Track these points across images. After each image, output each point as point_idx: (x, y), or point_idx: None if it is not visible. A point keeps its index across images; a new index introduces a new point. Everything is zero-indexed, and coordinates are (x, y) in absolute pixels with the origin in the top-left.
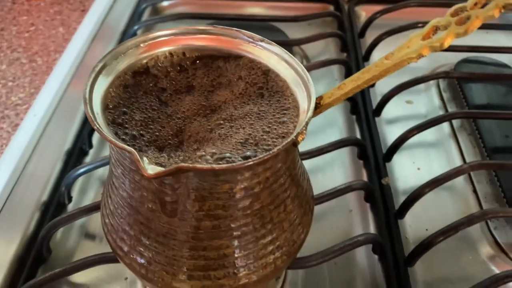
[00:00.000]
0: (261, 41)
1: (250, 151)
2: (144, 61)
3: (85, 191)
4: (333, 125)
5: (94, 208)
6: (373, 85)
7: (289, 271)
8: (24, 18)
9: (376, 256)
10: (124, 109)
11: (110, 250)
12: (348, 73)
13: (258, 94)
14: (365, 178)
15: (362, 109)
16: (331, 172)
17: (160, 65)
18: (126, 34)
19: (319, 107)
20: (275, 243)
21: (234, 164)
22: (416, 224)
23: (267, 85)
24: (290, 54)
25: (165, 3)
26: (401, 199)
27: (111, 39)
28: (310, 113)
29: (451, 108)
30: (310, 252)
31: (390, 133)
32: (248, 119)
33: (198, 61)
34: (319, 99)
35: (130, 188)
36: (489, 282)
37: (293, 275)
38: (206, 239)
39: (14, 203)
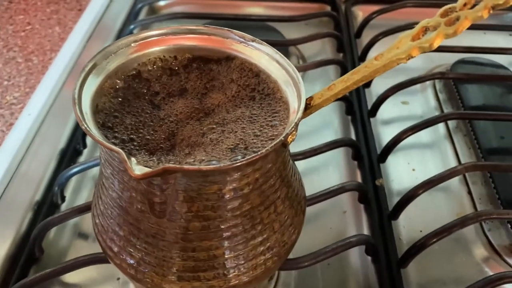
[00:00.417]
0: (253, 41)
1: (240, 156)
2: (136, 64)
3: (79, 190)
4: (328, 126)
5: (86, 208)
6: (368, 86)
7: (282, 272)
8: (21, 17)
9: (369, 258)
10: (116, 113)
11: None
12: (344, 74)
13: (250, 96)
14: (359, 179)
15: (358, 110)
16: (325, 172)
17: (152, 68)
18: (122, 34)
19: (309, 108)
20: (265, 244)
21: (221, 165)
22: (410, 225)
23: (258, 87)
24: (281, 54)
25: (161, 3)
26: (396, 200)
27: (107, 38)
28: (299, 113)
29: (447, 109)
30: (303, 252)
31: (385, 134)
32: (240, 122)
33: (190, 64)
34: (309, 99)
35: (119, 188)
36: (482, 284)
37: (286, 276)
38: (196, 240)
39: (7, 202)
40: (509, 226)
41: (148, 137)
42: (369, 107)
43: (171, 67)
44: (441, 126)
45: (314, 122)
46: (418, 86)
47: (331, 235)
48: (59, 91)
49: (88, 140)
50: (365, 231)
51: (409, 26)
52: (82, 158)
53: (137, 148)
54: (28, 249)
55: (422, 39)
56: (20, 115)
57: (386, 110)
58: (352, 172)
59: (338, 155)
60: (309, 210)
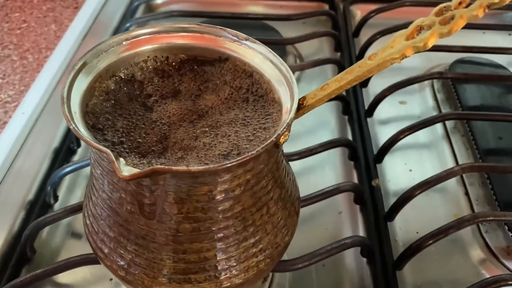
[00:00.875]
0: (246, 39)
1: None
2: (127, 63)
3: (72, 189)
4: (325, 126)
5: (79, 208)
6: (366, 85)
7: (276, 273)
8: (16, 15)
9: (365, 259)
10: (107, 115)
11: None
12: None
13: (244, 98)
14: (355, 179)
15: (354, 110)
16: (321, 173)
17: (144, 70)
18: (119, 32)
19: (302, 108)
20: (257, 246)
21: (211, 166)
22: (407, 226)
23: (252, 88)
24: (275, 54)
25: (158, 1)
26: (392, 200)
27: (103, 36)
28: (292, 114)
29: (445, 109)
30: (298, 253)
31: (382, 134)
32: (233, 125)
33: (183, 66)
34: (302, 99)
35: (109, 189)
36: (478, 287)
37: (281, 277)
38: (186, 242)
39: None
40: (506, 228)
41: (139, 140)
42: (366, 107)
43: (163, 68)
44: (438, 126)
45: (310, 122)
46: (416, 85)
47: (326, 236)
48: (53, 89)
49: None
50: (361, 232)
51: (407, 25)
52: (76, 157)
53: (127, 151)
54: (20, 249)
55: (416, 38)
56: (14, 114)
57: (384, 110)
58: (349, 172)
59: (334, 155)
60: (304, 210)
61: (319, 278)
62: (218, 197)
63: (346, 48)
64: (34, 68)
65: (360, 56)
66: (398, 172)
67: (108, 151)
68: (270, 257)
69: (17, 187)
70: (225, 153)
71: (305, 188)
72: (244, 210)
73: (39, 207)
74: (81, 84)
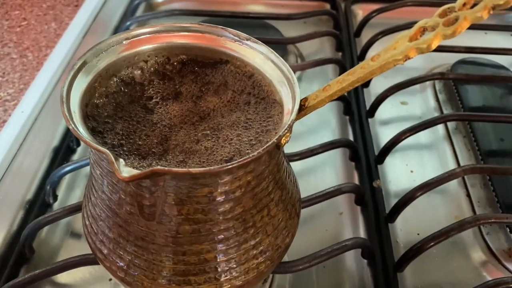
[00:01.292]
0: (247, 39)
1: None
2: (128, 64)
3: (72, 189)
4: (326, 126)
5: (78, 208)
6: (367, 86)
7: (276, 274)
8: (16, 13)
9: (365, 261)
10: (107, 118)
11: None
12: (342, 73)
13: (245, 101)
14: (356, 180)
15: (356, 110)
16: (323, 174)
17: (145, 71)
18: (119, 30)
19: (303, 109)
20: (258, 248)
21: (211, 168)
22: (408, 228)
23: (253, 91)
24: (276, 54)
25: None
26: (393, 202)
27: (103, 34)
28: (293, 115)
29: (447, 110)
30: (299, 255)
31: (383, 135)
32: (235, 128)
33: (185, 67)
34: (304, 100)
35: (109, 190)
36: None
37: (281, 278)
38: (186, 244)
39: None
40: (508, 230)
41: (139, 142)
42: (367, 107)
43: (164, 70)
44: (440, 128)
45: (312, 122)
46: (417, 86)
47: (327, 237)
48: (53, 88)
49: None
50: (362, 233)
51: (409, 25)
52: (75, 157)
53: (127, 153)
54: (19, 248)
55: (419, 39)
56: (13, 112)
57: (385, 111)
58: (350, 173)
59: (335, 156)
60: (305, 211)
61: (320, 280)
62: (219, 198)
63: (347, 48)
64: (34, 66)
65: (362, 56)
66: (399, 173)
67: (107, 151)
68: (271, 259)
69: (16, 186)
70: (227, 158)
71: (306, 188)
72: (245, 212)
73: (38, 206)
74: (81, 84)
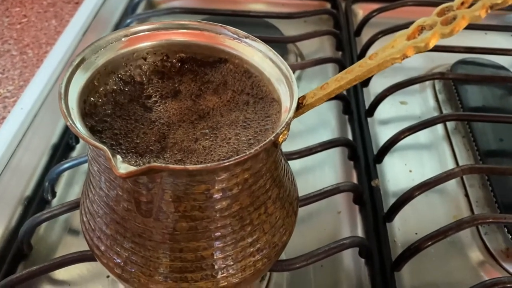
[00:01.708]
0: (246, 37)
1: None
2: (126, 61)
3: (70, 186)
4: (325, 125)
5: (76, 204)
6: (367, 85)
7: (274, 272)
8: (17, 10)
9: (363, 260)
10: (105, 117)
11: None
12: None
13: (244, 100)
14: (355, 179)
15: (355, 109)
16: (321, 173)
17: (143, 69)
18: (119, 28)
19: (301, 107)
20: (255, 246)
21: (208, 165)
22: (406, 227)
23: (252, 91)
24: (275, 52)
25: None
26: (392, 201)
27: (103, 32)
28: (291, 113)
29: (446, 110)
30: (296, 253)
31: (382, 134)
32: (234, 127)
33: (183, 66)
34: (302, 98)
35: (106, 186)
36: None
37: (278, 277)
38: (183, 241)
39: None
40: (506, 230)
41: (137, 140)
42: (366, 107)
43: (163, 68)
44: (439, 127)
45: (311, 121)
46: (417, 86)
47: (324, 236)
48: (53, 85)
49: None
50: (360, 232)
51: (409, 25)
52: (74, 154)
53: (125, 151)
54: (17, 245)
55: (417, 38)
56: (12, 109)
57: (384, 110)
58: (348, 172)
59: (334, 155)
60: (303, 210)
61: (317, 279)
62: (216, 196)
63: (347, 47)
64: (34, 63)
65: (362, 55)
66: (398, 172)
67: (105, 148)
68: (268, 256)
69: (15, 182)
70: (224, 158)
71: (305, 187)
72: (242, 209)
73: (37, 203)
74: (79, 80)
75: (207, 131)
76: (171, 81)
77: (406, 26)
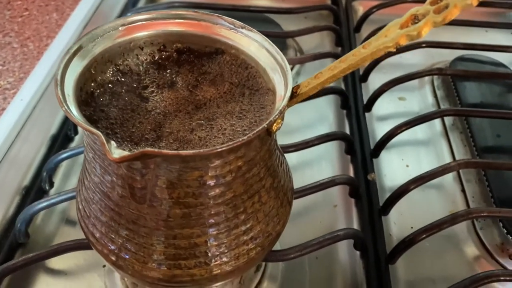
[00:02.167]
0: (242, 27)
1: None
2: (123, 50)
3: (68, 176)
4: (323, 120)
5: (73, 195)
6: (365, 80)
7: (269, 264)
8: (19, 3)
9: (358, 253)
10: (101, 106)
11: None
12: None
13: (240, 92)
14: (352, 173)
15: (353, 104)
16: (318, 166)
17: (140, 59)
18: None
19: (295, 96)
20: (248, 234)
21: (201, 150)
22: (402, 221)
23: (248, 82)
24: (270, 42)
25: None
26: (388, 195)
27: None
28: (285, 101)
29: (445, 106)
30: (292, 244)
31: (380, 129)
32: (229, 118)
33: (180, 57)
34: (296, 88)
35: (101, 173)
36: (469, 282)
37: (273, 268)
38: (176, 227)
39: None
40: (501, 224)
41: (133, 129)
42: (365, 102)
43: (160, 59)
44: (437, 123)
45: (309, 116)
46: (416, 82)
47: (320, 229)
48: (52, 77)
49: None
50: (355, 225)
51: None
52: (73, 145)
53: (120, 140)
54: (14, 233)
55: (410, 27)
56: (12, 100)
57: (383, 106)
58: (345, 166)
59: (332, 149)
60: (300, 203)
61: (312, 270)
62: (209, 182)
63: (347, 43)
64: (35, 56)
65: None
66: (395, 167)
67: (99, 133)
68: (261, 245)
69: (13, 172)
70: None
71: (301, 181)
72: (235, 197)
73: (35, 192)
74: (76, 68)
75: (203, 121)
76: (168, 72)
77: None
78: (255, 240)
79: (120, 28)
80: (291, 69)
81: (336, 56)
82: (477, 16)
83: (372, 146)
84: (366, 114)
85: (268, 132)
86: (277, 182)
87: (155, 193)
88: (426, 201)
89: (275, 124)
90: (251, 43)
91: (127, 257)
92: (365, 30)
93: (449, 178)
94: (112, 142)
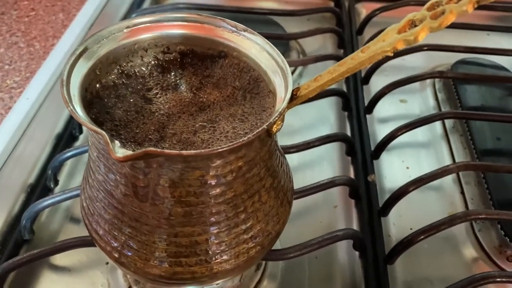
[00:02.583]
0: (244, 30)
1: None
2: (128, 52)
3: (73, 175)
4: (325, 121)
5: (77, 193)
6: (367, 82)
7: (269, 263)
8: (25, 3)
9: (357, 253)
10: (106, 109)
11: None
12: None
13: (243, 95)
14: (352, 175)
15: (354, 106)
16: (319, 167)
17: (145, 61)
18: None
19: (295, 98)
20: (248, 233)
21: (202, 150)
22: (401, 223)
23: (249, 87)
24: (272, 45)
25: None
26: (387, 197)
27: None
28: (285, 103)
29: (445, 109)
30: (292, 244)
31: (381, 131)
32: (231, 120)
33: (183, 60)
34: (296, 90)
35: (105, 171)
36: (466, 283)
37: (273, 267)
38: (178, 226)
39: (0, 183)
40: (499, 227)
41: (136, 130)
42: (366, 104)
43: (164, 61)
44: (438, 126)
45: (310, 117)
46: (417, 85)
47: (320, 229)
48: (58, 77)
49: None
50: (355, 226)
51: None
52: (77, 144)
53: (124, 141)
54: (19, 230)
55: (407, 32)
56: (18, 99)
57: (384, 108)
58: (346, 167)
59: (332, 151)
60: (300, 203)
61: (311, 270)
62: (210, 182)
63: (349, 46)
64: (41, 55)
65: None
66: (395, 169)
67: (103, 132)
68: (261, 244)
69: (18, 170)
70: None
71: (302, 181)
72: (236, 197)
73: (40, 190)
74: (82, 69)
75: (205, 124)
76: (171, 73)
77: None
78: (255, 239)
79: (125, 30)
80: (294, 70)
81: (338, 59)
82: (479, 19)
83: (372, 148)
84: (367, 116)
85: (268, 133)
86: (277, 182)
87: (157, 191)
88: (425, 203)
89: (275, 126)
90: (253, 46)
91: (129, 254)
92: (368, 32)
93: (448, 180)
94: (116, 141)
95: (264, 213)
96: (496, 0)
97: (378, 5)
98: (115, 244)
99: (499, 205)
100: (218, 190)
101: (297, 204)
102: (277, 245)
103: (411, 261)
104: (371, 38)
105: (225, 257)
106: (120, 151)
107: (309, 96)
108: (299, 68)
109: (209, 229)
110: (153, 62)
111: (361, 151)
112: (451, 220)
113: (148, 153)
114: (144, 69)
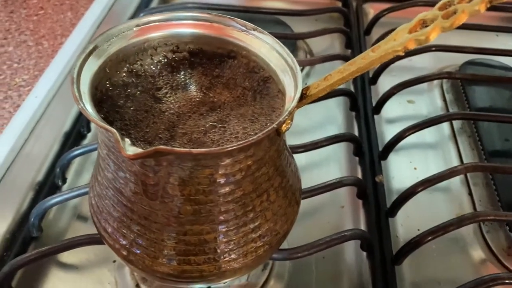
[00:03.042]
0: (254, 30)
1: None
2: (137, 50)
3: (81, 173)
4: (332, 121)
5: (86, 190)
6: (375, 83)
7: (276, 263)
8: (34, 2)
9: (365, 253)
10: (116, 108)
11: None
12: None
13: (253, 95)
14: (360, 175)
15: (362, 106)
16: (326, 167)
17: (154, 60)
18: None
19: (305, 98)
20: (257, 232)
21: (212, 149)
22: (408, 223)
23: (259, 87)
24: (281, 44)
25: None
26: (395, 197)
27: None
28: (294, 102)
29: (453, 110)
30: (300, 244)
31: (388, 132)
32: (242, 121)
33: (194, 57)
34: (305, 89)
35: (114, 169)
36: (474, 285)
37: (280, 267)
38: (187, 224)
39: (9, 181)
40: (508, 228)
41: (147, 129)
42: (373, 104)
43: (174, 60)
44: (446, 127)
45: (318, 117)
46: (425, 85)
47: (327, 229)
48: (66, 75)
49: (93, 123)
50: (362, 226)
51: None
52: (85, 142)
53: (134, 140)
54: (28, 227)
55: (418, 31)
56: (27, 97)
57: (392, 108)
58: (353, 168)
59: (340, 151)
60: (307, 203)
61: (319, 270)
62: (219, 180)
63: (357, 46)
64: (49, 54)
65: None
66: (403, 170)
67: (114, 130)
68: (269, 243)
69: (27, 168)
70: None
71: (310, 181)
72: (245, 196)
73: (48, 188)
74: (92, 67)
75: (216, 124)
76: (181, 72)
77: None
78: (263, 238)
79: (134, 29)
80: (301, 70)
81: (346, 59)
82: (488, 20)
83: (380, 148)
84: (375, 116)
85: (278, 132)
86: (286, 181)
87: (167, 190)
88: (433, 204)
89: (284, 125)
90: (262, 45)
91: (138, 252)
92: (375, 33)
93: (456, 181)
94: (127, 139)
95: (273, 212)
96: (507, 1)
97: (386, 6)
98: (124, 242)
99: (507, 206)
100: (227, 189)
101: (304, 204)
102: (284, 245)
103: (418, 262)
104: (379, 39)
105: (233, 255)
106: (131, 149)
107: (318, 95)
108: (307, 68)
109: (218, 228)
110: (163, 61)
111: (368, 151)
112: (459, 221)
113: (159, 151)
114: (153, 68)
